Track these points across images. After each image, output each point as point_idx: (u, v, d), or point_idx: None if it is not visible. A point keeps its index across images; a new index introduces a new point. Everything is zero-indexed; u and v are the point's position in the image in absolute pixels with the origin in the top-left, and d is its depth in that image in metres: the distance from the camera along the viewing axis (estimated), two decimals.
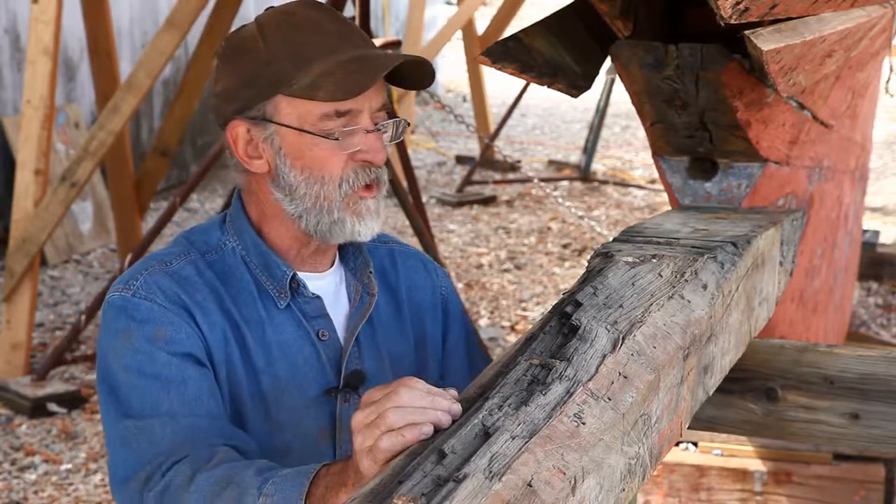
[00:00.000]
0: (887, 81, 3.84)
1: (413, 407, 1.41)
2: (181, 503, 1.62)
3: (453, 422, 1.41)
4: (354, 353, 1.90)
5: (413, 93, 9.48)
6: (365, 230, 1.85)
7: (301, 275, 1.89)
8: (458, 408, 1.42)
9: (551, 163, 10.54)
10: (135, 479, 1.70)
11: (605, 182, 9.76)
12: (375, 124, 1.83)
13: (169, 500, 1.64)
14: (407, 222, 5.56)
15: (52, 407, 5.17)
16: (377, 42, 5.00)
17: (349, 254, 1.95)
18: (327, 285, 1.92)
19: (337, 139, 1.80)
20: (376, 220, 1.86)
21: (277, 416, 1.84)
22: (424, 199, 8.58)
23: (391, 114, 1.87)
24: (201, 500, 1.60)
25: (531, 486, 1.26)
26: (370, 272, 1.94)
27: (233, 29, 2.09)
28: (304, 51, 1.80)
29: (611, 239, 2.06)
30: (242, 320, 1.84)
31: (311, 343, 1.87)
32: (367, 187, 1.83)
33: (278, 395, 1.84)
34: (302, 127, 1.80)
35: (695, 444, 3.87)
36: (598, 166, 10.26)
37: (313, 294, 1.88)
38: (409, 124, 1.91)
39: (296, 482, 1.53)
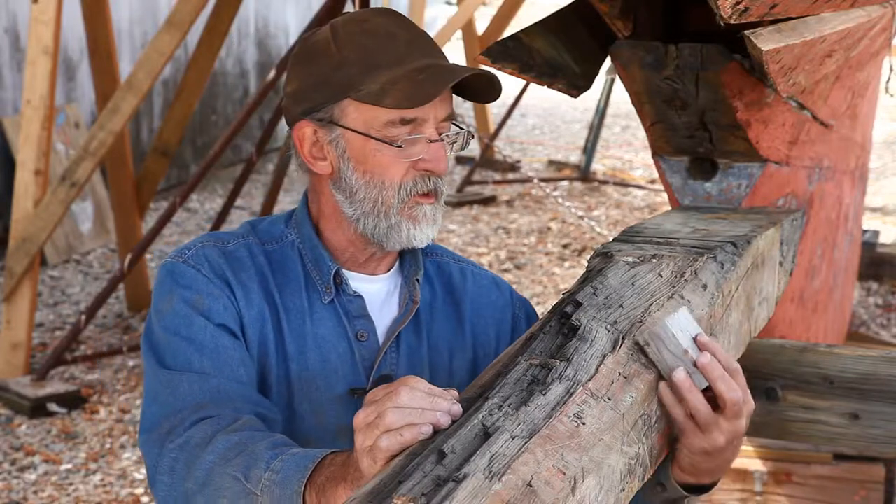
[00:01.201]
0: (887, 81, 3.83)
1: (412, 408, 1.42)
2: (196, 460, 1.67)
3: (453, 422, 1.41)
4: (392, 359, 1.91)
5: None
6: (421, 236, 1.87)
7: (350, 274, 1.92)
8: (458, 409, 1.43)
9: (551, 163, 10.54)
10: (158, 430, 1.76)
11: (605, 182, 9.76)
12: (440, 134, 1.85)
13: (186, 455, 1.69)
14: None
15: (52, 407, 5.17)
16: None
17: (406, 261, 1.97)
18: (379, 289, 1.94)
19: (400, 146, 1.82)
20: (433, 226, 1.88)
21: (300, 405, 1.87)
22: None
23: (458, 124, 1.89)
24: (214, 460, 1.65)
25: (531, 486, 1.26)
26: (416, 280, 1.95)
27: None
28: (374, 57, 1.83)
29: (611, 239, 2.06)
30: (283, 307, 1.88)
31: (347, 341, 1.89)
32: (425, 195, 1.85)
33: (303, 386, 1.87)
34: (367, 132, 1.82)
35: None
36: (598, 166, 10.27)
37: (355, 293, 1.90)
38: (473, 136, 1.93)
39: (300, 465, 1.56)
